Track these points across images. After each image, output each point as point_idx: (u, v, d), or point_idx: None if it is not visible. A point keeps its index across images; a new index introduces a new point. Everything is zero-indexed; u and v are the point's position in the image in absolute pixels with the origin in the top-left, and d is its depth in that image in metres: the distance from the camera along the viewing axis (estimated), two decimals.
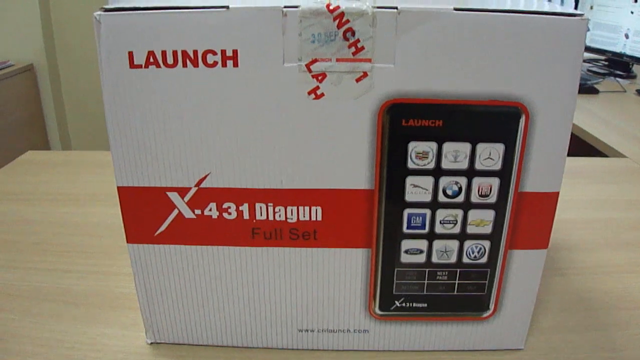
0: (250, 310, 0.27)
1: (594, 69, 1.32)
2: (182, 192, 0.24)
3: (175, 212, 0.25)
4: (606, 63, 1.33)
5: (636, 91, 1.12)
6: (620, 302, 0.31)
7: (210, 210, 0.24)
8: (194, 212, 0.24)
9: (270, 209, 0.24)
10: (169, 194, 0.24)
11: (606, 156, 0.68)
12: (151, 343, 0.28)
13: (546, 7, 0.22)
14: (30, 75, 1.50)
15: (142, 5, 0.21)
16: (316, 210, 0.24)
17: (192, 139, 0.23)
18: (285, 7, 0.21)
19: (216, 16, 0.21)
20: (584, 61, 1.39)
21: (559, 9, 0.22)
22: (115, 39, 0.21)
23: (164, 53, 0.21)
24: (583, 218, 0.42)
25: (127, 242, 0.25)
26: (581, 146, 0.78)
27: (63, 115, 1.68)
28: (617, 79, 1.21)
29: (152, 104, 0.22)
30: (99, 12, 0.21)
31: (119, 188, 0.24)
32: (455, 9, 0.21)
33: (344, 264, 0.25)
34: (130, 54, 0.22)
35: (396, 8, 0.21)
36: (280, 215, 0.24)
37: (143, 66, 0.22)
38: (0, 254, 0.36)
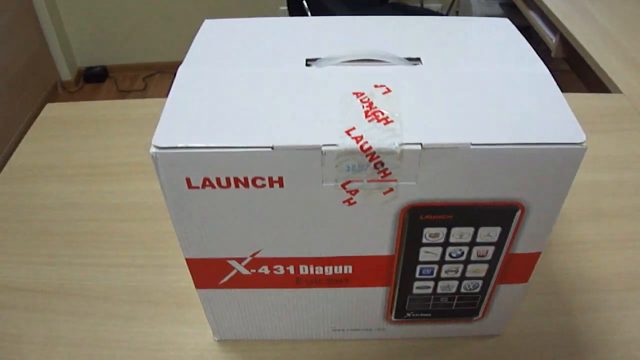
0: (296, 322, 0.34)
1: None
2: (239, 260, 0.30)
3: (235, 271, 0.30)
4: None
5: None
6: (588, 284, 0.39)
7: (263, 269, 0.30)
8: (249, 271, 0.30)
9: (312, 268, 0.30)
10: (229, 261, 0.30)
11: (600, 81, 0.69)
12: (218, 340, 0.36)
13: (556, 116, 0.25)
14: None
15: (193, 143, 0.24)
16: (348, 267, 0.30)
17: (246, 233, 0.28)
18: (324, 145, 0.24)
19: (263, 155, 0.24)
20: None
21: (568, 128, 0.24)
22: (172, 171, 0.25)
23: (217, 179, 0.25)
24: None
25: (196, 287, 0.32)
26: (576, 63, 0.77)
27: (55, 6, 1.58)
28: None
29: (210, 212, 0.27)
30: (154, 150, 0.24)
31: (187, 259, 0.30)
32: (472, 144, 0.24)
33: (369, 296, 0.32)
34: (188, 179, 0.25)
35: (421, 144, 0.24)
36: (319, 271, 0.30)
37: (200, 187, 0.25)
38: (61, 250, 0.42)
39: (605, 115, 0.56)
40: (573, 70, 0.91)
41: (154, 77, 2.08)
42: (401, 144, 0.24)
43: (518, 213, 0.27)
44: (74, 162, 0.50)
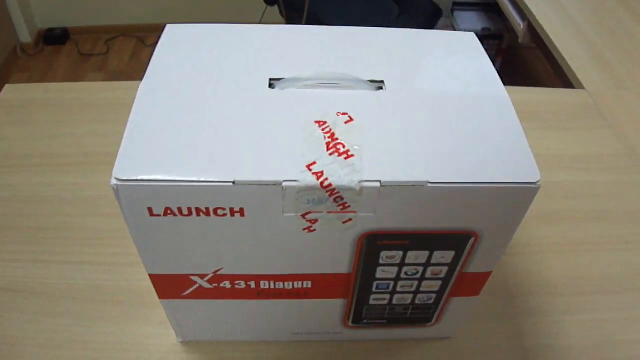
0: (258, 327, 0.36)
1: None
2: (201, 276, 0.30)
3: (197, 285, 0.31)
4: None
5: None
6: (535, 287, 0.41)
7: (224, 284, 0.31)
8: (212, 285, 0.31)
9: (272, 283, 0.31)
10: (191, 277, 0.30)
11: (563, 72, 0.70)
12: (181, 341, 0.37)
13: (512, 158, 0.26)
14: None
15: (154, 176, 0.24)
16: (307, 282, 0.31)
17: (207, 254, 0.28)
18: (285, 181, 0.24)
19: (224, 189, 0.24)
20: None
21: (524, 166, 0.25)
22: (133, 201, 0.25)
23: (179, 209, 0.25)
24: None
25: (159, 298, 0.32)
26: (545, 50, 0.75)
27: None
28: None
29: (172, 236, 0.27)
30: (115, 183, 0.24)
31: (150, 275, 0.30)
32: (430, 183, 0.25)
33: (328, 306, 0.34)
34: (150, 209, 0.25)
35: (380, 182, 0.24)
36: (279, 286, 0.31)
37: (162, 215, 0.26)
38: (27, 246, 0.42)
39: (566, 112, 0.58)
40: (542, 53, 0.92)
41: (117, 40, 1.99)
42: (360, 181, 0.24)
43: (472, 240, 0.28)
44: (34, 151, 0.49)
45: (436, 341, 0.38)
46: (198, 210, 0.25)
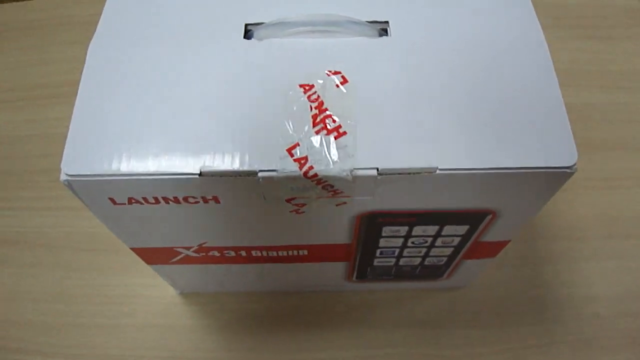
0: (254, 282, 0.34)
1: None
2: (187, 247, 0.28)
3: (183, 254, 0.29)
4: None
5: None
6: (561, 230, 0.37)
7: (213, 253, 0.28)
8: (199, 254, 0.29)
9: (265, 252, 0.28)
10: (176, 248, 0.28)
11: None
12: (180, 293, 0.36)
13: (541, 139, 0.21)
14: None
15: (108, 169, 0.20)
16: (304, 251, 0.28)
17: (187, 232, 0.25)
18: (260, 171, 0.20)
19: (189, 180, 0.20)
20: None
21: (559, 145, 0.20)
22: (92, 194, 0.21)
23: (144, 198, 0.22)
24: None
25: (147, 263, 0.30)
26: None
27: None
28: None
29: (143, 220, 0.24)
30: (66, 178, 0.20)
31: (132, 248, 0.28)
32: (440, 170, 0.20)
33: (328, 267, 0.31)
34: (111, 199, 0.22)
35: (377, 169, 0.20)
36: (272, 253, 0.29)
37: (126, 204, 0.22)
38: (18, 192, 0.39)
39: (610, 17, 0.49)
40: None
41: None
42: (353, 170, 0.20)
43: (488, 217, 0.24)
44: (11, 83, 0.45)
45: (448, 291, 0.36)
46: (165, 199, 0.22)
